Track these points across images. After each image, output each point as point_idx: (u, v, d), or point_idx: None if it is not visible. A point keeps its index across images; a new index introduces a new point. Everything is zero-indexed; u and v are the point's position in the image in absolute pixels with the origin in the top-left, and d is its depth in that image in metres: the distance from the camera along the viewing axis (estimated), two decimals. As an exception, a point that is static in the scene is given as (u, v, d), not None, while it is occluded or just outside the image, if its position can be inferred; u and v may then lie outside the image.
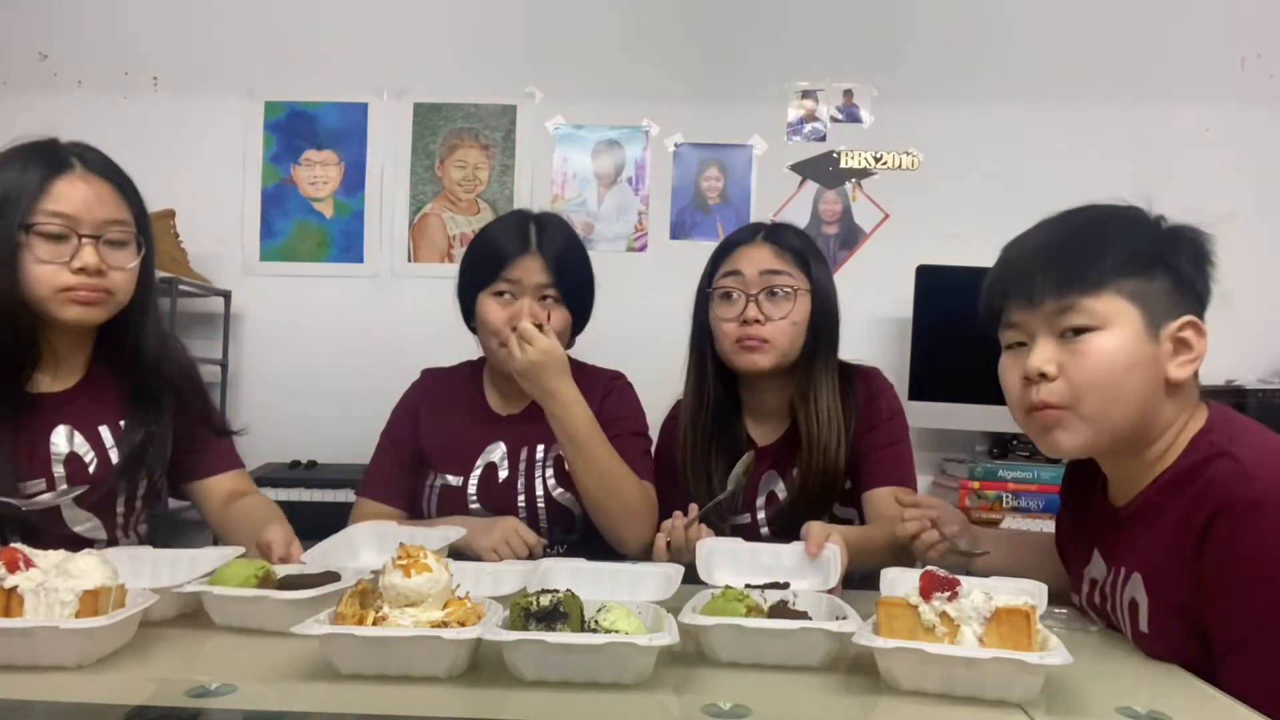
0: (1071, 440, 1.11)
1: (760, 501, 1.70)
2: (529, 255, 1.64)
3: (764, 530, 1.68)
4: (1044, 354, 1.09)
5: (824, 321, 1.66)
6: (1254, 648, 0.97)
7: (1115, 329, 1.07)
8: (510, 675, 0.92)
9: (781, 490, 1.69)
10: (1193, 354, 1.09)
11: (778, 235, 1.68)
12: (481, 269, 1.68)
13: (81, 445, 1.43)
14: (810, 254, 1.68)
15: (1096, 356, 1.07)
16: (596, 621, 0.93)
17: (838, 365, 1.70)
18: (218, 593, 1.08)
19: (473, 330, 1.76)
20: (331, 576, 1.13)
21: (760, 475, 1.70)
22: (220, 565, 1.16)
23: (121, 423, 1.47)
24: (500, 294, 1.65)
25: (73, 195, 1.34)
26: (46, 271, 1.33)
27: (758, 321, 1.61)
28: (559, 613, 0.92)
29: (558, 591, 0.96)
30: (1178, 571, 1.03)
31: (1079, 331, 1.08)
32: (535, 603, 0.93)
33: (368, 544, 1.40)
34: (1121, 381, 1.07)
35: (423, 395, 1.80)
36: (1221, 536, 0.99)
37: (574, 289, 1.70)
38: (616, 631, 0.90)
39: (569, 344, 1.75)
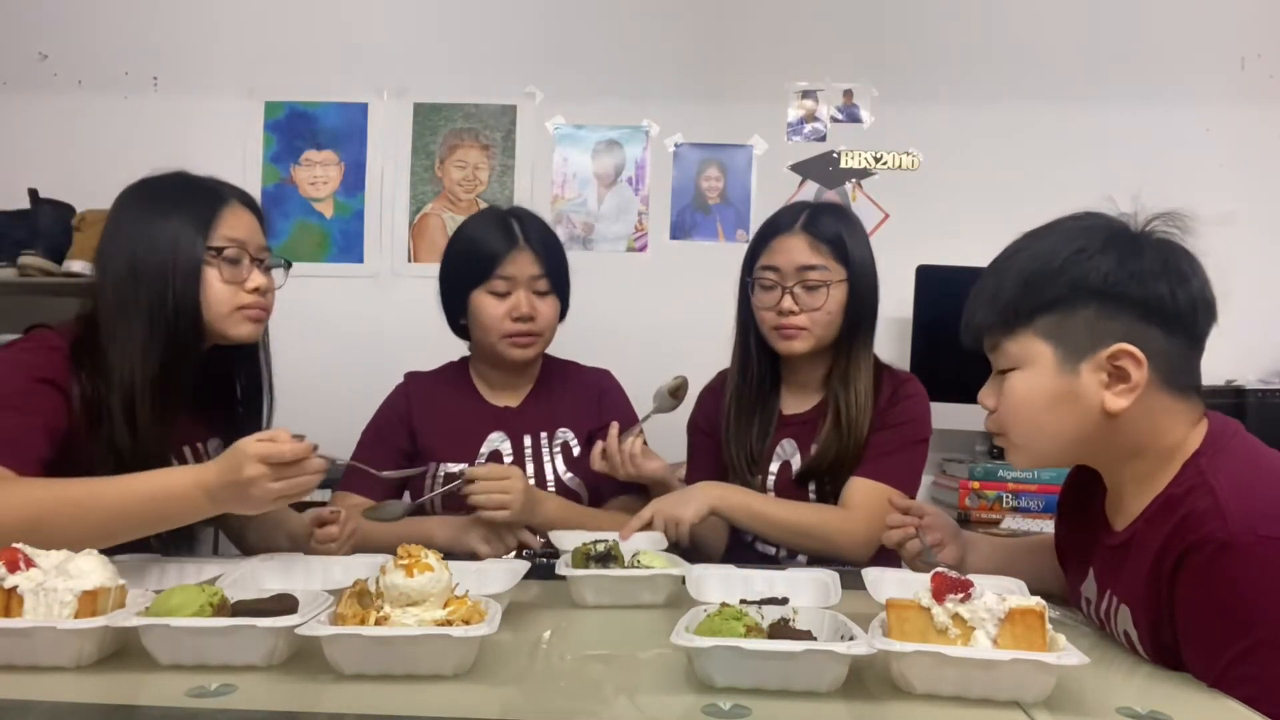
0: (1016, 460, 1.18)
1: (774, 468, 1.74)
2: (519, 249, 1.71)
3: (770, 495, 1.72)
4: (987, 388, 1.17)
5: (862, 305, 1.69)
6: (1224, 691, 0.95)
7: (1029, 369, 1.10)
8: (514, 674, 0.93)
9: (797, 462, 1.73)
10: (1130, 383, 1.04)
11: (815, 224, 1.69)
12: (473, 268, 1.73)
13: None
14: (849, 238, 1.69)
15: (1013, 395, 1.12)
16: (638, 561, 1.28)
17: (873, 355, 1.73)
18: (172, 624, 0.92)
19: (456, 330, 1.82)
20: (289, 601, 1.02)
21: (778, 443, 1.74)
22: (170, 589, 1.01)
23: (214, 441, 1.54)
24: (495, 291, 1.71)
25: (239, 223, 1.45)
26: (228, 291, 1.42)
27: (793, 312, 1.66)
28: (611, 555, 1.29)
29: (608, 541, 1.32)
30: (1155, 607, 1.02)
31: (1006, 370, 1.13)
32: (593, 549, 1.29)
33: (273, 574, 1.26)
34: (1038, 417, 1.11)
35: (412, 395, 1.82)
36: (1190, 577, 0.97)
37: (560, 277, 1.77)
38: (653, 567, 1.26)
39: (556, 329, 1.81)
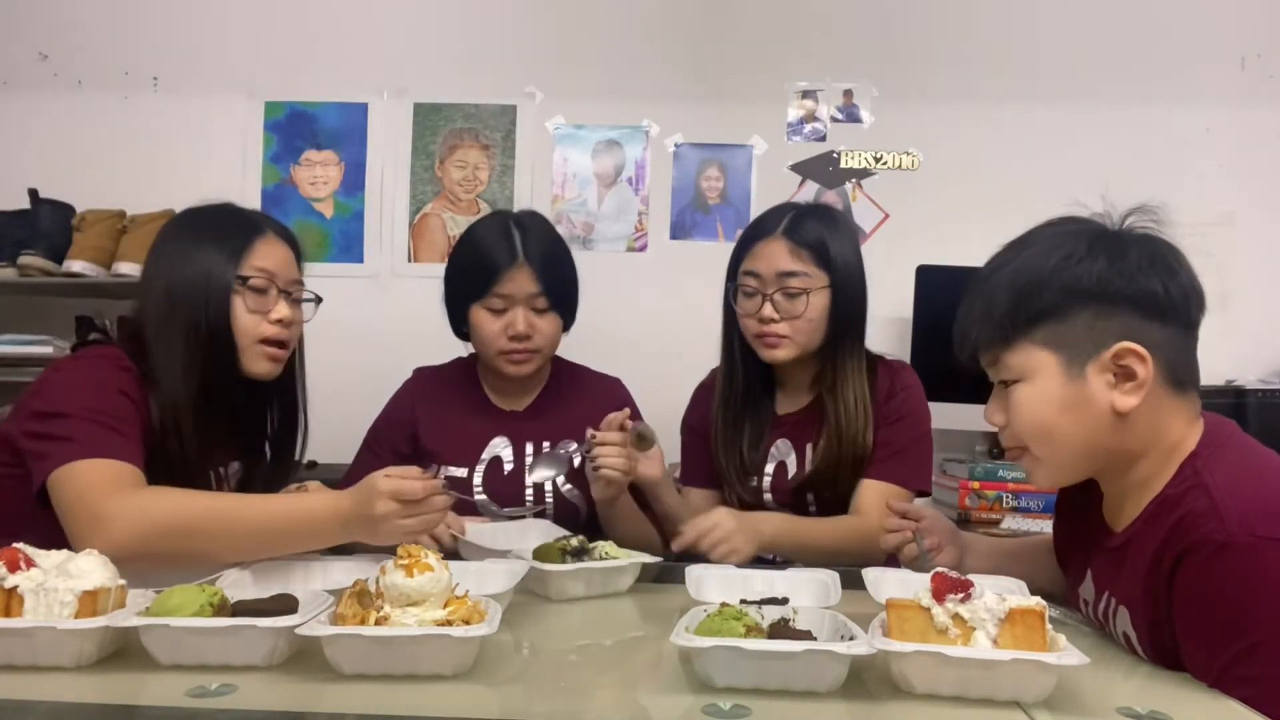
0: (1039, 479, 1.17)
1: (769, 469, 1.72)
2: (517, 266, 1.66)
3: (767, 497, 1.71)
4: (992, 405, 1.17)
5: (847, 310, 1.67)
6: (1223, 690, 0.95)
7: (1034, 379, 1.10)
8: (514, 674, 0.94)
9: (793, 463, 1.71)
10: (1137, 380, 1.05)
11: (797, 230, 1.65)
12: (472, 282, 1.69)
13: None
14: (832, 242, 1.65)
15: (1022, 408, 1.11)
16: (605, 553, 1.35)
17: (864, 353, 1.71)
18: (173, 624, 0.92)
19: (461, 336, 1.80)
20: (289, 601, 1.02)
21: (772, 444, 1.73)
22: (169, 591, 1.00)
23: (234, 465, 1.56)
24: (492, 308, 1.68)
25: (271, 254, 1.47)
26: (251, 321, 1.44)
27: (773, 320, 1.64)
28: (586, 549, 1.36)
29: (578, 536, 1.38)
30: (1154, 608, 1.02)
31: (1010, 382, 1.12)
32: (569, 544, 1.35)
33: (273, 574, 1.26)
34: (1053, 426, 1.10)
35: (419, 393, 1.81)
36: (1189, 577, 0.98)
37: (562, 293, 1.71)
38: (618, 558, 1.35)
39: (558, 343, 1.77)
